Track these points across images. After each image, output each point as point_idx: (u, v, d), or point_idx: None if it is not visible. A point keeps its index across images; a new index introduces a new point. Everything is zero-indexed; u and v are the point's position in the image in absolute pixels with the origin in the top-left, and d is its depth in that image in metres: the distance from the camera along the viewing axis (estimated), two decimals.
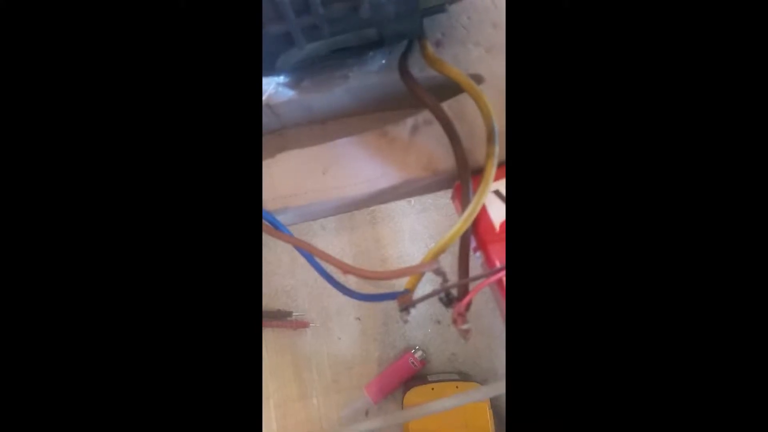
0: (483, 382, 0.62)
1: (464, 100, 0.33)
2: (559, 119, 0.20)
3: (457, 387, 0.59)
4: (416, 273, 0.30)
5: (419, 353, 0.62)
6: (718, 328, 0.18)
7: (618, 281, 0.19)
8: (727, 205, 0.18)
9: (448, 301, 0.30)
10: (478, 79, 0.33)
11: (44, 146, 0.19)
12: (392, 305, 0.37)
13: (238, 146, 0.20)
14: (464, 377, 0.62)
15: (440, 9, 0.31)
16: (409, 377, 0.62)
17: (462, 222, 0.30)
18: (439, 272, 0.29)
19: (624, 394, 0.18)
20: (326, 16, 0.27)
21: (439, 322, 0.63)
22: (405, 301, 0.30)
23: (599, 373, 0.19)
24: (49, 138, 0.19)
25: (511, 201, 0.21)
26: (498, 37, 0.35)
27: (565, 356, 0.19)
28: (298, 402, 0.63)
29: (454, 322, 0.30)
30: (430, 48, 0.30)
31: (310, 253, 0.30)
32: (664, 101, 0.19)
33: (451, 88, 0.33)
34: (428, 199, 0.67)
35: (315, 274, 0.32)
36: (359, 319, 0.64)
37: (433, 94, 0.33)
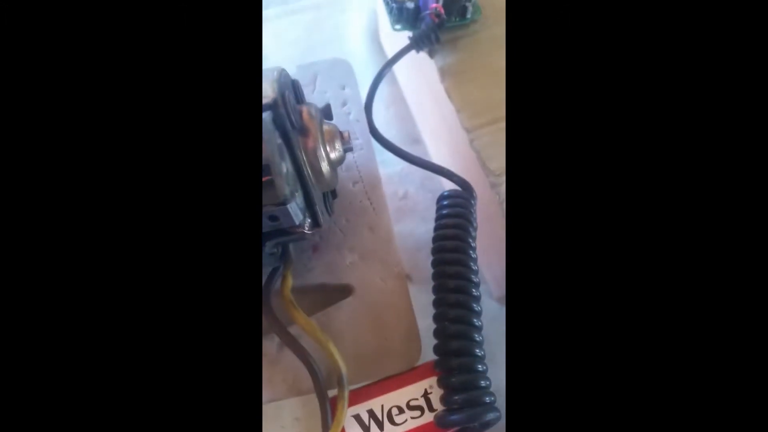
0: None
1: (334, 312, 0.33)
2: (562, 147, 0.20)
3: None
4: None
5: None
6: (718, 346, 0.18)
7: (619, 312, 0.19)
8: (726, 211, 0.18)
9: None
10: (349, 289, 0.34)
11: (29, 164, 0.19)
12: None
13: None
14: None
15: (301, 237, 0.32)
16: None
17: None
18: None
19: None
20: None
21: None
22: None
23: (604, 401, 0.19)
24: (34, 156, 0.19)
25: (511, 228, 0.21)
26: (373, 241, 0.35)
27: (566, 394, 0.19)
28: None
29: None
30: (288, 287, 0.31)
31: None
32: (671, 132, 0.19)
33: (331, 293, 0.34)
34: None
35: None
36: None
37: (318, 296, 0.33)
